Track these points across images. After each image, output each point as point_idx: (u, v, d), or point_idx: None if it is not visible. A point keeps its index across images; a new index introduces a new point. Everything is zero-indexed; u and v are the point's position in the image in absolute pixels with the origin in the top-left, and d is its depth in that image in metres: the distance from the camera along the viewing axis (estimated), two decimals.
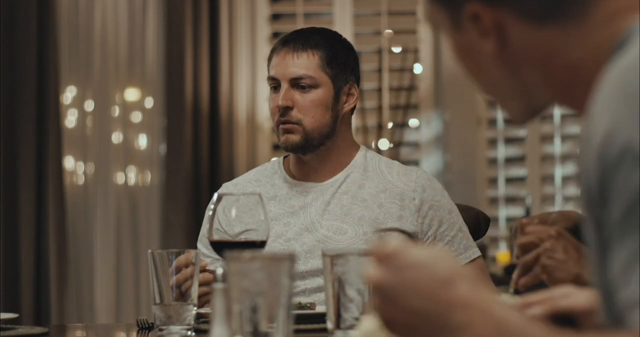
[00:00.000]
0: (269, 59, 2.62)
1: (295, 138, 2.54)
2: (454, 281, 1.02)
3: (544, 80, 1.10)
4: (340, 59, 2.59)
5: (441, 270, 1.03)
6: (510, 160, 4.66)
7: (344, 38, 2.67)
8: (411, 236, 2.51)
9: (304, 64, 2.55)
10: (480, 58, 1.12)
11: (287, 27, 4.73)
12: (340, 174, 2.60)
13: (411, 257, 1.04)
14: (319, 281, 2.48)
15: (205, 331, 1.87)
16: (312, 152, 2.57)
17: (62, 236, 4.48)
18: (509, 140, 4.67)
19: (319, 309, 2.17)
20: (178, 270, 2.02)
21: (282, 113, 2.54)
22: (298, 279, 2.46)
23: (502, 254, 4.61)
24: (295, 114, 2.54)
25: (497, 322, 0.99)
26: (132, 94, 4.81)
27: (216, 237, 1.85)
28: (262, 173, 2.69)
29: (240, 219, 1.84)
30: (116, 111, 4.76)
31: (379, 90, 4.83)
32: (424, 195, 2.54)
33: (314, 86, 2.55)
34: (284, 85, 2.54)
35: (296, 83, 2.54)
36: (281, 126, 2.56)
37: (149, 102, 4.81)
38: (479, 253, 2.57)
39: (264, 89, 4.81)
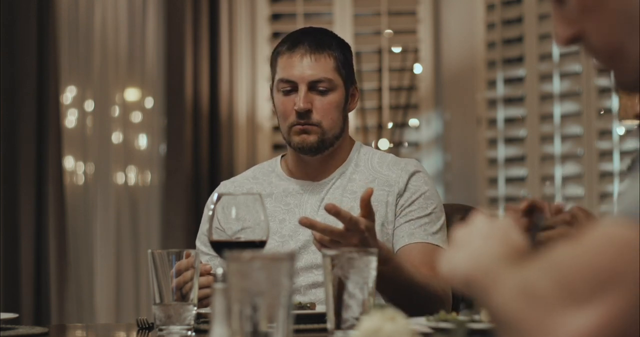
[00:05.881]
0: (275, 61, 2.58)
1: (312, 139, 2.52)
2: (521, 248, 1.14)
3: None
4: (348, 60, 2.59)
5: (517, 240, 1.16)
6: (510, 160, 4.66)
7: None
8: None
9: (323, 67, 2.52)
10: None
11: (287, 27, 4.73)
12: (335, 171, 2.61)
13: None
14: (313, 277, 2.48)
15: (205, 331, 1.87)
16: (322, 153, 2.56)
17: (62, 236, 4.48)
18: (509, 140, 4.67)
19: (319, 309, 2.17)
20: (178, 273, 2.02)
21: (302, 115, 2.51)
22: None
23: None
24: (314, 116, 2.52)
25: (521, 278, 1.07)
26: (132, 94, 4.81)
27: (215, 236, 1.85)
28: (260, 171, 2.70)
29: (239, 218, 1.84)
30: (116, 111, 4.76)
31: (379, 90, 4.83)
32: (407, 179, 2.55)
33: (331, 89, 2.53)
34: (303, 88, 2.51)
35: (314, 86, 2.52)
36: (297, 126, 2.52)
37: (149, 102, 4.81)
38: (438, 243, 2.49)
39: (264, 89, 4.81)
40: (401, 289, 2.27)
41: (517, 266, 1.05)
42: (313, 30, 2.63)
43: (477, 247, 1.14)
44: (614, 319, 0.94)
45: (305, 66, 2.52)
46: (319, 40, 2.55)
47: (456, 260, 1.15)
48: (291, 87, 2.53)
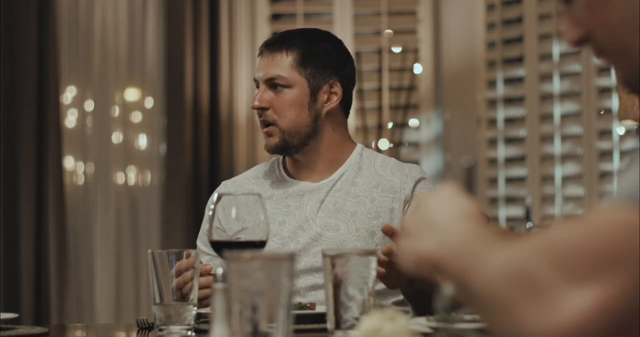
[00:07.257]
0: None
1: (273, 140, 2.58)
2: (468, 216, 1.13)
3: None
4: (319, 58, 2.58)
5: (466, 205, 1.16)
6: (510, 161, 4.66)
7: (332, 37, 2.65)
8: None
9: (277, 64, 2.57)
10: None
11: (287, 27, 4.72)
12: (336, 173, 2.61)
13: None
14: (313, 279, 2.49)
15: (205, 331, 1.87)
16: (297, 153, 2.58)
17: (62, 236, 4.48)
18: (509, 140, 4.67)
19: (319, 309, 2.17)
20: (179, 273, 2.03)
21: (259, 113, 2.59)
22: None
23: None
24: (270, 114, 2.57)
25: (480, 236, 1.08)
26: (132, 94, 4.81)
27: (216, 236, 1.85)
28: (261, 171, 2.71)
29: (239, 218, 1.84)
30: (116, 111, 4.76)
31: (379, 90, 4.82)
32: (413, 186, 2.55)
33: (287, 86, 2.56)
34: (262, 86, 2.58)
35: (272, 83, 2.56)
36: (263, 129, 2.60)
37: (149, 102, 4.81)
38: None
39: None
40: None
41: (496, 244, 1.03)
42: (291, 31, 2.67)
43: (441, 227, 1.12)
44: (615, 299, 0.94)
45: (263, 65, 2.58)
46: (284, 40, 2.59)
47: (417, 245, 1.13)
48: (258, 86, 2.60)
